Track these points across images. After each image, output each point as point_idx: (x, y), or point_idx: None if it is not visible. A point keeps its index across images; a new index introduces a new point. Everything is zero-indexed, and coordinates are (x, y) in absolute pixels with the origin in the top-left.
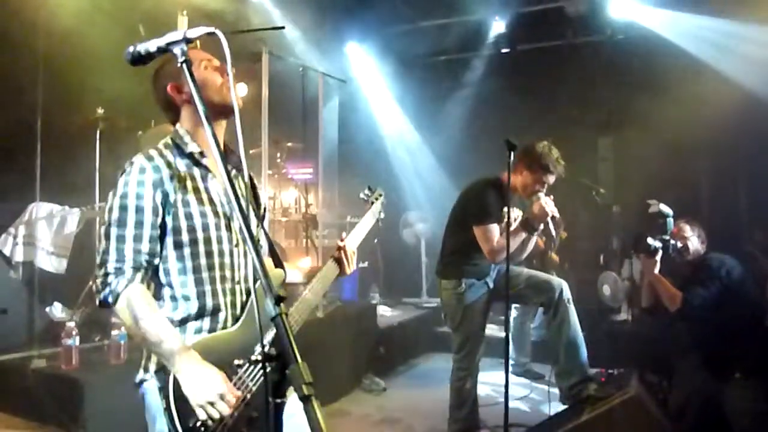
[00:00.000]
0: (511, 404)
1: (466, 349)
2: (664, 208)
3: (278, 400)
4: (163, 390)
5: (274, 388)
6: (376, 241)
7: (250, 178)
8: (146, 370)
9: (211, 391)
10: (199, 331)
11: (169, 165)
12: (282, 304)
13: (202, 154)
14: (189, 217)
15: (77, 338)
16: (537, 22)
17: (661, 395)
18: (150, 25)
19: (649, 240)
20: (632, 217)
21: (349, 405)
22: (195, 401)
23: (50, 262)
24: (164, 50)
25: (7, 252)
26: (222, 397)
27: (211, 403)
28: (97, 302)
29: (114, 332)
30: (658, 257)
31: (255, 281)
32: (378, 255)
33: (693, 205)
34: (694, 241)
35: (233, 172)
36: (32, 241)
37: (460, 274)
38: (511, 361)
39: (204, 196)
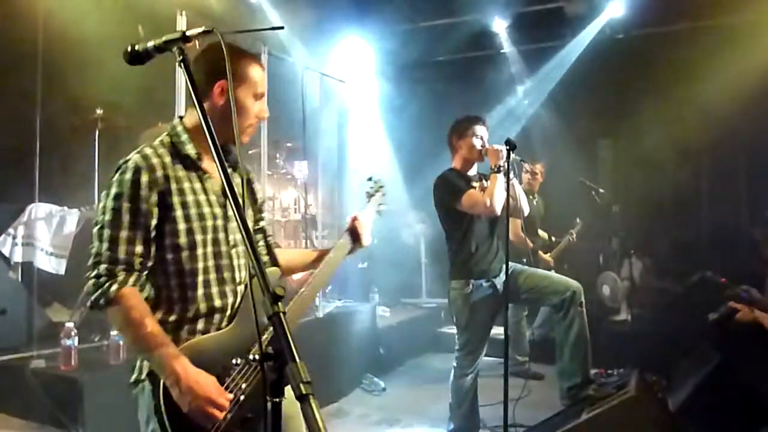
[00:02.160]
0: (510, 404)
1: (468, 348)
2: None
3: (276, 400)
4: (155, 392)
5: (271, 387)
6: (375, 241)
7: (247, 174)
8: (140, 371)
9: (199, 397)
10: (192, 332)
11: (164, 165)
12: (280, 303)
13: (199, 156)
14: (186, 219)
15: (76, 339)
16: (536, 23)
17: (660, 394)
18: (149, 25)
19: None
20: (632, 218)
21: (349, 405)
22: (185, 408)
23: (49, 263)
24: (163, 49)
25: (6, 252)
26: (211, 403)
27: (200, 409)
28: (89, 304)
29: (113, 332)
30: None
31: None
32: (377, 255)
33: (693, 203)
34: None
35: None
36: (31, 242)
37: (468, 275)
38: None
39: (201, 198)
